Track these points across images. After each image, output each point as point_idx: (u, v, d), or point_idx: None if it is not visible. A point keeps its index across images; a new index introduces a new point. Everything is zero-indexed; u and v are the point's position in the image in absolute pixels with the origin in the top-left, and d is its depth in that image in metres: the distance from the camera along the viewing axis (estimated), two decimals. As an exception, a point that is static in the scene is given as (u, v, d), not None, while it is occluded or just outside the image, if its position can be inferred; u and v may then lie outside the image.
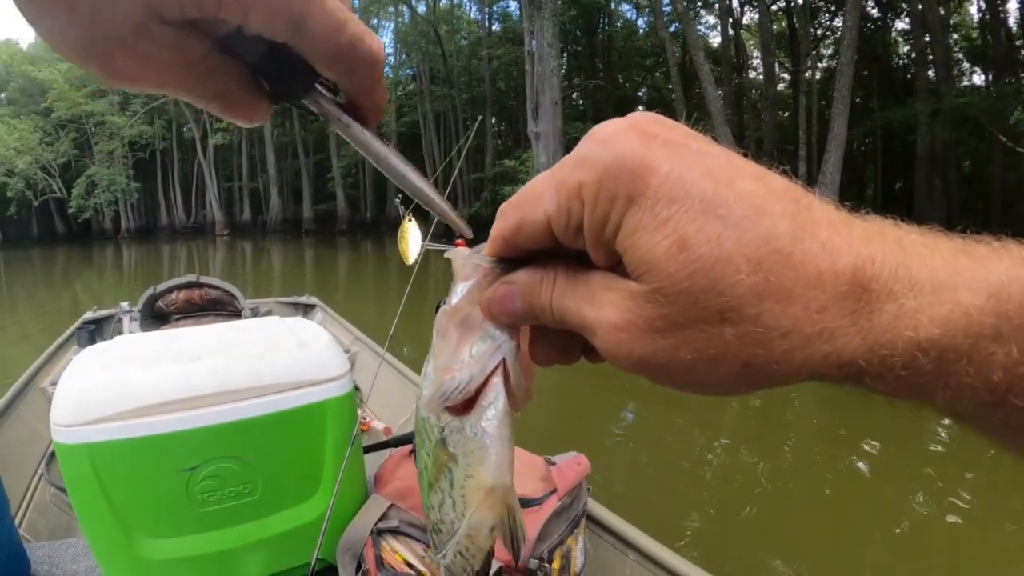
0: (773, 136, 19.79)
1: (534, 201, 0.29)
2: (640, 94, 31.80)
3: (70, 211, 34.59)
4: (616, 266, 0.28)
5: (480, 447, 0.36)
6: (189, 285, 3.86)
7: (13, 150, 30.74)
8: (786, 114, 22.94)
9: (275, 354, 1.53)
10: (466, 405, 0.36)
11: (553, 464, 1.64)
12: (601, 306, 0.27)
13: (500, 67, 28.58)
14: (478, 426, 0.36)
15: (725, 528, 3.68)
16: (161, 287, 3.78)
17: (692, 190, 0.25)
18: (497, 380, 0.35)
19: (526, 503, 1.50)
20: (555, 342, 0.34)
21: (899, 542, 3.51)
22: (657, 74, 27.91)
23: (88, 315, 4.53)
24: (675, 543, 1.86)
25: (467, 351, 0.35)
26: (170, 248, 29.66)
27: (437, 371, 0.36)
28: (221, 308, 3.93)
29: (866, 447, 4.64)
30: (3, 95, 35.43)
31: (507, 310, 0.32)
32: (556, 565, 1.54)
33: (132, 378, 1.39)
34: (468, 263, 0.35)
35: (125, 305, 4.13)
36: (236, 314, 3.96)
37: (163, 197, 37.31)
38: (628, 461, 4.58)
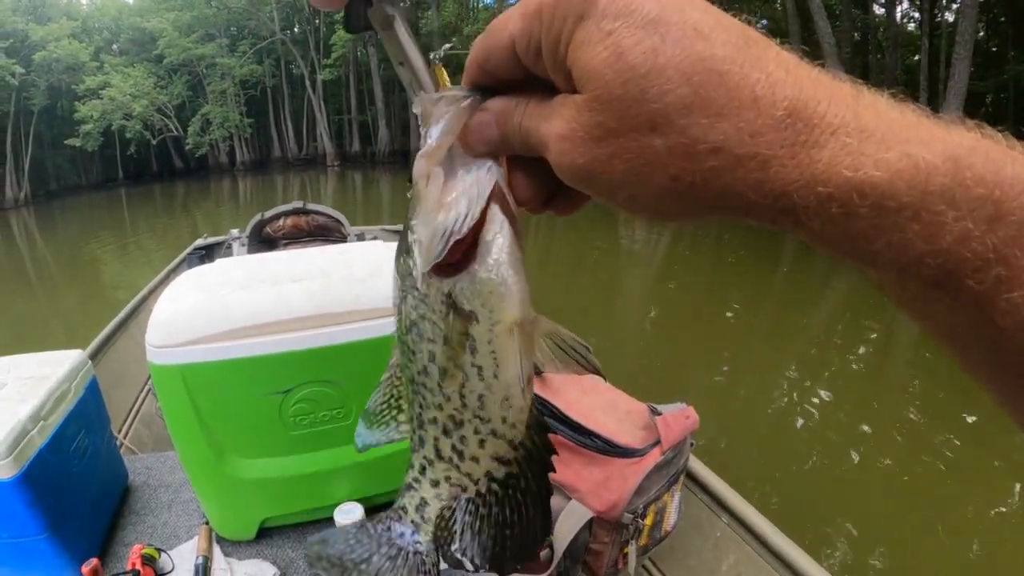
0: (894, 80, 18.14)
1: (502, 27, 0.30)
2: (759, 27, 30.02)
3: (187, 148, 36.28)
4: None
5: (500, 283, 0.34)
6: (296, 211, 3.92)
7: (129, 96, 32.46)
8: (915, 58, 20.83)
9: (377, 278, 1.44)
10: (464, 257, 0.34)
11: (659, 414, 1.52)
12: (553, 120, 0.29)
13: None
14: (490, 261, 0.34)
15: (805, 493, 3.61)
16: (269, 213, 3.86)
17: (637, 10, 0.25)
18: (495, 208, 0.33)
19: (627, 453, 1.40)
20: (535, 178, 0.34)
21: (982, 537, 3.32)
22: (777, 5, 25.64)
23: (199, 242, 4.73)
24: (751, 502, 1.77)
25: (457, 185, 0.33)
26: (283, 179, 30.88)
27: (429, 213, 0.33)
28: (328, 234, 3.98)
29: (967, 432, 4.36)
30: (115, 47, 37.43)
31: (483, 137, 0.33)
32: (649, 521, 1.45)
33: (228, 300, 1.36)
34: (442, 99, 0.33)
35: (235, 231, 4.27)
36: (342, 240, 3.98)
37: (275, 131, 38.55)
38: (713, 414, 4.47)
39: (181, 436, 1.45)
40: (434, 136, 0.33)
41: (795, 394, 5.02)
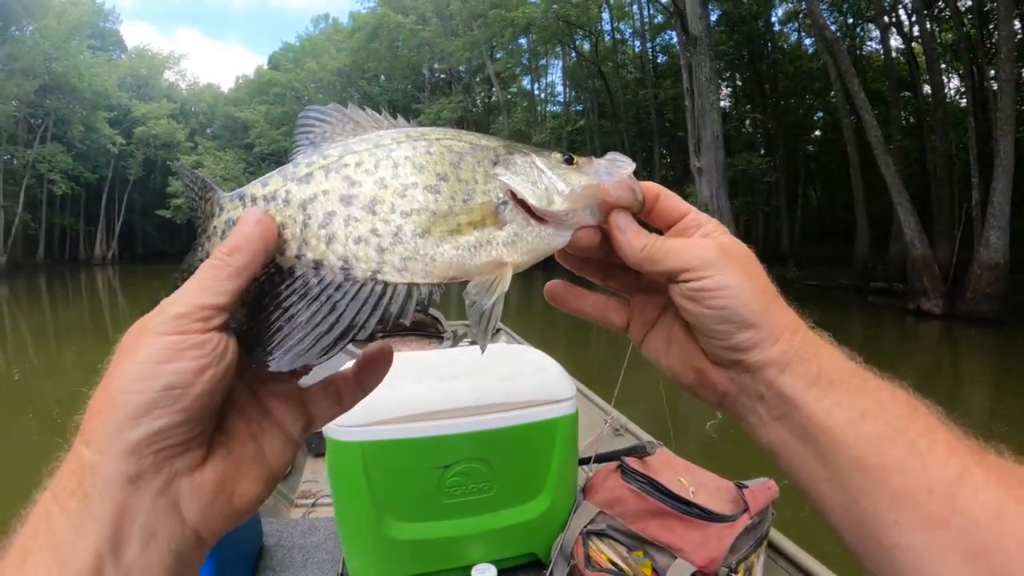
0: (947, 161, 17.82)
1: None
2: (816, 118, 29.83)
3: (270, 232, 38.58)
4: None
5: (535, 241, 0.47)
6: None
7: (220, 177, 34.91)
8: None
9: (520, 377, 1.85)
10: (544, 216, 0.47)
11: (746, 487, 1.82)
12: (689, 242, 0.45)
13: (667, 99, 27.41)
14: (545, 232, 0.47)
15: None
16: None
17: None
18: (569, 234, 0.48)
19: (722, 518, 1.69)
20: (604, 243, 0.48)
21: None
22: (831, 96, 25.73)
23: None
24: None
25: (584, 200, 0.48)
26: (365, 269, 31.94)
27: (584, 197, 0.48)
28: (423, 329, 4.36)
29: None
30: (209, 131, 40.63)
31: (626, 199, 0.48)
32: (739, 576, 1.71)
33: (405, 390, 1.74)
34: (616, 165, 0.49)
35: None
36: (438, 335, 4.40)
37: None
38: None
39: (347, 501, 1.78)
40: (606, 174, 0.48)
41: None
